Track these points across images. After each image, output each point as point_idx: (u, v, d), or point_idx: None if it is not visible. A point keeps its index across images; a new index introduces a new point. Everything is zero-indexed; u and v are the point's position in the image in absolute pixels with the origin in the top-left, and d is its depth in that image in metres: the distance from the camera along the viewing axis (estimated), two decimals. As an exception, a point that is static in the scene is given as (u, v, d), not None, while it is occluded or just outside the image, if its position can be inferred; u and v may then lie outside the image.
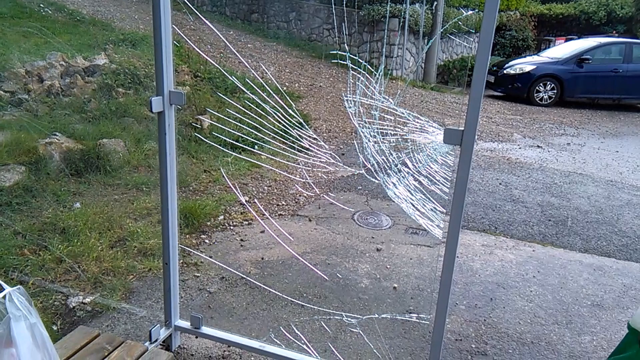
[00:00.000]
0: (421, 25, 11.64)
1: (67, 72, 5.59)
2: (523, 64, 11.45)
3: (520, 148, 7.23)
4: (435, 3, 11.75)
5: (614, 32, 17.81)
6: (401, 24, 11.55)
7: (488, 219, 4.46)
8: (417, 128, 1.95)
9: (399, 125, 1.98)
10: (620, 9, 18.79)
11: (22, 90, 5.10)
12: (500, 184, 5.51)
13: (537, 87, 11.01)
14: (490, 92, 12.13)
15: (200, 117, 5.59)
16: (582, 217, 4.68)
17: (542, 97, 11.04)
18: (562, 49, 12.02)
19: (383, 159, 1.99)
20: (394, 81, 11.31)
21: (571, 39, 14.06)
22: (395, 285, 3.22)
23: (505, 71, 11.44)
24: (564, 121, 9.54)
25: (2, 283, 1.24)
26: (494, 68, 12.02)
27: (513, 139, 7.81)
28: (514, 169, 6.14)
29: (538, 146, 7.42)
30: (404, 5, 11.49)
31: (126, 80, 5.68)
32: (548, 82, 10.97)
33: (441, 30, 11.61)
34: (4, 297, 1.23)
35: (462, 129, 1.66)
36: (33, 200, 3.73)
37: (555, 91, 10.98)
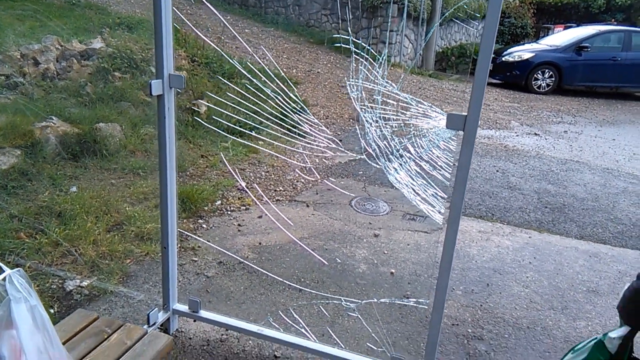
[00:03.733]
0: (421, 11, 11.55)
1: (62, 56, 5.53)
2: (521, 52, 11.41)
3: (517, 135, 7.23)
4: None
5: (613, 20, 17.74)
6: (400, 10, 11.46)
7: (485, 206, 4.47)
8: (419, 113, 1.95)
9: (401, 110, 1.97)
10: (619, -4, 18.69)
11: (17, 74, 5.04)
12: (497, 171, 5.51)
13: (535, 75, 10.99)
14: (488, 79, 12.08)
15: (197, 101, 5.56)
16: (579, 204, 4.70)
17: (540, 84, 11.02)
18: (561, 37, 11.98)
19: (385, 144, 1.98)
20: (392, 68, 11.26)
21: (570, 27, 14.01)
22: (393, 270, 3.23)
23: (503, 58, 11.40)
24: (561, 109, 9.53)
25: (2, 265, 1.23)
26: (493, 55, 11.96)
27: (510, 126, 7.81)
28: (511, 156, 6.14)
29: (535, 134, 7.42)
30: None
31: (123, 65, 5.62)
32: (546, 70, 10.94)
33: (445, 15, 11.53)
34: (4, 279, 1.22)
35: (465, 114, 1.65)
36: (29, 183, 3.71)
37: (553, 79, 10.96)
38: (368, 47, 1.90)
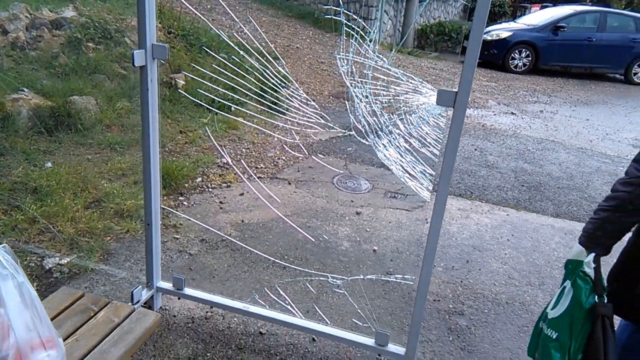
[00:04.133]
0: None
1: (32, 25, 5.30)
2: (499, 31, 11.46)
3: (495, 115, 7.31)
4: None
5: (588, 0, 17.94)
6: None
7: (464, 184, 4.52)
8: (410, 89, 1.94)
9: (391, 86, 1.96)
10: (595, -23, 18.89)
11: (-16, 43, 4.82)
12: (475, 149, 5.58)
13: (512, 54, 11.07)
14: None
15: (175, 74, 5.43)
16: (554, 183, 4.80)
17: (517, 64, 11.13)
18: (539, 16, 12.07)
19: (374, 120, 1.97)
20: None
21: (546, 7, 14.13)
22: (375, 248, 3.26)
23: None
24: (537, 89, 9.66)
25: (-14, 242, 1.18)
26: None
27: (488, 105, 7.88)
28: (488, 135, 6.21)
29: (512, 113, 7.51)
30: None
31: (96, 35, 5.43)
32: (523, 50, 11.04)
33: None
34: (-12, 256, 1.18)
35: (456, 90, 1.65)
36: (1, 158, 3.58)
37: (530, 58, 11.07)
38: (360, 20, 1.87)
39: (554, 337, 1.66)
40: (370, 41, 1.89)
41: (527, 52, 11.03)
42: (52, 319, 1.53)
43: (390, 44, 11.79)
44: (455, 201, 4.14)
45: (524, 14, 14.50)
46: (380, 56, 1.90)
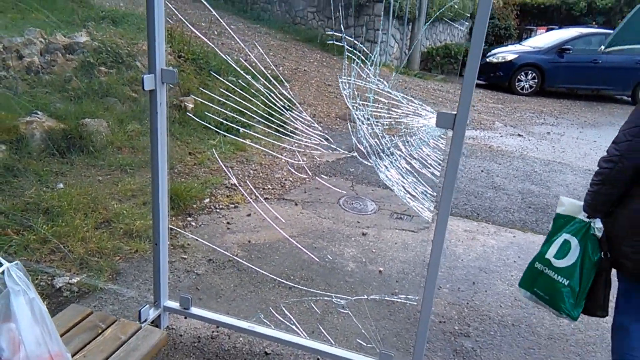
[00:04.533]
0: (406, 11, 11.63)
1: (47, 49, 5.45)
2: (505, 53, 11.57)
3: (501, 136, 7.34)
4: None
5: (594, 22, 18.06)
6: (387, 9, 11.52)
7: (470, 206, 4.54)
8: (410, 111, 1.98)
9: (392, 109, 2.01)
10: (600, 0, 19.05)
11: (0, 67, 4.96)
12: (482, 171, 5.60)
13: (518, 76, 11.15)
14: (473, 80, 12.23)
15: (184, 97, 5.54)
16: (561, 204, 4.79)
17: (523, 86, 11.19)
18: (544, 39, 12.17)
19: (376, 142, 2.02)
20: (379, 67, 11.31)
21: (552, 29, 14.23)
22: (381, 268, 3.27)
23: (487, 60, 11.54)
24: (544, 110, 9.69)
25: (1, 259, 1.23)
26: (477, 56, 12.11)
27: (495, 127, 7.92)
28: (495, 156, 6.24)
29: (519, 135, 7.54)
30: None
31: (108, 59, 5.57)
32: (529, 72, 11.12)
33: (430, 15, 11.61)
34: (3, 272, 1.22)
35: (455, 113, 1.69)
36: (15, 180, 3.66)
37: (536, 80, 11.14)
38: (360, 45, 1.93)
39: (566, 283, 2.07)
40: (372, 65, 1.95)
41: (533, 74, 11.10)
42: (61, 336, 1.57)
43: (396, 67, 11.92)
44: (461, 222, 4.15)
45: (530, 36, 14.61)
46: (381, 80, 1.96)
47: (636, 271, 1.97)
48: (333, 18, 11.93)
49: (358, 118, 1.99)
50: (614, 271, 2.05)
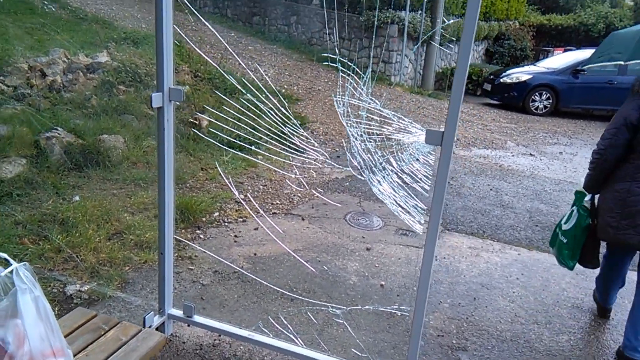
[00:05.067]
0: (420, 32, 11.78)
1: (69, 69, 5.70)
2: (519, 73, 11.60)
3: (513, 155, 7.36)
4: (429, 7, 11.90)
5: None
6: (400, 30, 11.69)
7: (477, 223, 4.57)
8: (401, 128, 2.07)
9: (384, 126, 2.10)
10: (619, 21, 19.01)
11: (25, 85, 5.20)
12: (491, 189, 5.63)
13: (532, 97, 11.16)
14: (487, 100, 12.28)
15: (198, 113, 5.70)
16: (569, 223, 4.79)
17: (538, 106, 11.19)
18: (558, 60, 12.18)
19: (369, 157, 2.10)
20: (393, 87, 11.45)
21: (569, 50, 14.23)
22: (383, 282, 3.33)
23: (501, 80, 11.58)
24: (558, 130, 9.68)
25: (10, 259, 1.34)
26: (491, 77, 12.17)
27: (507, 146, 7.94)
28: (505, 175, 6.26)
29: (531, 154, 7.55)
30: (404, 12, 11.64)
31: (127, 78, 5.79)
32: (544, 92, 11.12)
33: (439, 36, 11.73)
34: (11, 272, 1.34)
35: (443, 130, 1.77)
36: (33, 192, 3.83)
37: (550, 101, 11.13)
38: (353, 66, 2.03)
39: (565, 241, 2.90)
40: (364, 85, 2.05)
41: (548, 95, 11.10)
42: (66, 336, 1.68)
43: (411, 87, 12.04)
44: (466, 239, 4.19)
45: (547, 57, 14.63)
46: (373, 99, 2.06)
47: (615, 237, 2.62)
48: (349, 39, 12.14)
49: (352, 135, 2.08)
50: None
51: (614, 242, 2.71)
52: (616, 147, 2.59)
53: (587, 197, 2.83)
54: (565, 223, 2.93)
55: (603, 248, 2.96)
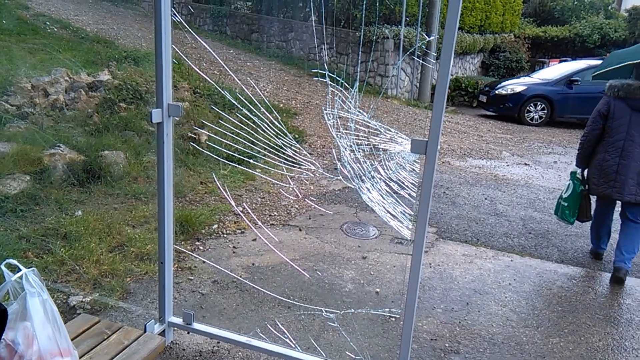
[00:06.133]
0: (416, 46, 11.97)
1: (71, 87, 5.84)
2: (514, 85, 11.76)
3: (508, 165, 7.46)
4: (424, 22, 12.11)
5: (607, 54, 18.15)
6: (397, 45, 11.89)
7: (471, 231, 4.66)
8: (387, 139, 2.18)
9: (372, 136, 2.20)
10: (613, 32, 19.25)
11: (28, 104, 5.34)
12: (485, 198, 5.72)
13: (527, 107, 11.31)
14: (482, 111, 12.43)
15: (197, 128, 5.83)
16: (562, 230, 4.89)
17: (533, 116, 11.33)
18: (553, 71, 12.35)
19: (358, 166, 2.21)
20: (389, 100, 11.61)
21: (565, 61, 14.41)
22: (378, 289, 3.42)
23: (497, 91, 11.74)
24: (553, 140, 9.80)
25: (20, 265, 1.44)
26: (486, 88, 12.33)
27: (502, 156, 8.05)
28: (500, 185, 6.36)
29: (525, 164, 7.66)
30: (400, 27, 11.84)
31: (128, 96, 5.93)
32: (538, 103, 11.27)
33: (434, 49, 11.91)
34: (21, 277, 1.44)
35: (427, 139, 1.88)
36: (37, 207, 3.94)
37: (545, 111, 11.27)
38: (342, 80, 2.15)
39: (565, 205, 4.07)
40: (352, 98, 2.16)
41: (543, 105, 11.25)
42: (71, 340, 1.77)
43: (407, 99, 12.20)
44: (460, 247, 4.28)
45: (542, 69, 14.81)
46: (361, 111, 2.17)
47: (598, 191, 3.87)
48: (346, 54, 12.35)
49: (342, 145, 2.19)
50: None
51: (598, 195, 3.94)
52: (595, 131, 3.84)
53: (579, 171, 4.01)
54: (564, 193, 4.12)
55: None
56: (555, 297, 3.55)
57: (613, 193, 3.76)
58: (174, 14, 2.25)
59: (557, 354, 2.86)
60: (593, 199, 4.08)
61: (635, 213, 3.80)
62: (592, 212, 4.13)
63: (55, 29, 9.69)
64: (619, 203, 3.94)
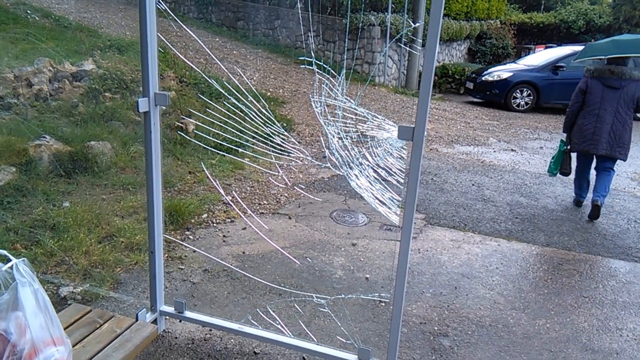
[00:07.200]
0: (403, 34, 11.96)
1: (55, 77, 5.76)
2: (500, 71, 11.82)
3: (494, 151, 7.53)
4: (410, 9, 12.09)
5: (593, 40, 18.32)
6: (383, 32, 11.86)
7: (459, 217, 4.72)
8: (375, 126, 2.19)
9: (360, 124, 2.22)
10: (598, 18, 19.41)
11: (11, 95, 5.26)
12: (473, 184, 5.78)
13: (514, 94, 11.39)
14: (470, 98, 12.50)
15: (184, 117, 5.79)
16: (548, 215, 4.97)
17: (519, 103, 11.42)
18: (539, 57, 12.43)
19: (346, 154, 2.22)
20: (377, 87, 11.61)
21: (550, 47, 14.50)
22: (368, 275, 3.45)
23: (483, 78, 11.80)
24: (539, 126, 9.89)
25: (9, 255, 1.44)
26: (473, 75, 12.38)
27: (489, 143, 8.12)
28: (487, 171, 6.42)
29: (512, 150, 7.73)
30: (386, 14, 11.81)
31: (113, 85, 5.86)
32: (524, 89, 11.36)
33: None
34: (11, 267, 1.44)
35: (413, 126, 1.90)
36: (24, 199, 3.90)
37: (531, 97, 11.37)
38: (329, 68, 2.15)
39: (552, 161, 5.34)
40: (339, 85, 2.17)
41: (529, 92, 11.34)
42: (63, 329, 1.77)
43: (395, 87, 12.21)
44: (448, 232, 4.33)
45: (528, 55, 14.89)
46: (348, 98, 2.18)
47: (579, 148, 5.01)
48: (332, 41, 12.29)
49: (330, 132, 2.20)
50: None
51: (579, 151, 5.07)
52: (577, 103, 5.00)
53: (564, 136, 5.16)
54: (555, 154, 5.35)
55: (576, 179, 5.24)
56: (541, 280, 3.61)
57: (590, 149, 4.90)
58: (159, 1, 2.23)
59: (543, 335, 2.93)
60: (574, 157, 5.22)
61: (606, 163, 4.99)
62: (574, 168, 5.29)
63: (37, 18, 9.51)
64: (595, 172, 5.11)
